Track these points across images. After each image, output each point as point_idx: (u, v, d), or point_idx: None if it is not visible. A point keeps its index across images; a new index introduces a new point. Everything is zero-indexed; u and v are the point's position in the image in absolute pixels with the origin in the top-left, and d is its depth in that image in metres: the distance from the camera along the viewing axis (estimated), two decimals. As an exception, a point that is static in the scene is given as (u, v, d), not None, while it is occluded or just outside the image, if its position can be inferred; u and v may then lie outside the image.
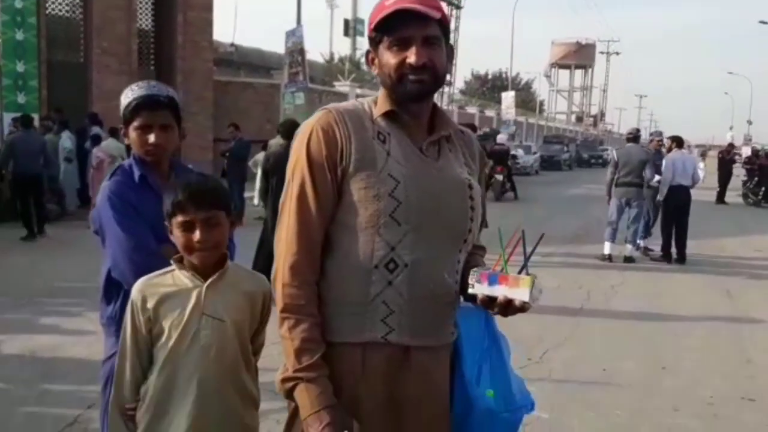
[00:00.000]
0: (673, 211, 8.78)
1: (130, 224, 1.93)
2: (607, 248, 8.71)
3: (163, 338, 1.68)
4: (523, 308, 1.41)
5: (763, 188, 17.46)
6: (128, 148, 2.19)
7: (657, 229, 9.34)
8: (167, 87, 2.08)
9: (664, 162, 8.89)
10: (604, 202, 9.65)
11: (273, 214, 5.40)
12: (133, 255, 1.90)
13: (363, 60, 1.72)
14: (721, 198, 17.81)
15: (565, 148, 33.50)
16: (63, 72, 13.80)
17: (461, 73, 66.96)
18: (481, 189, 1.61)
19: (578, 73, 71.59)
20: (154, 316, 1.68)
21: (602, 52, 70.81)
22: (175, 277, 1.71)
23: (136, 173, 2.01)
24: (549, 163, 30.28)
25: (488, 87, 54.19)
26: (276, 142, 7.45)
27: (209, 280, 1.69)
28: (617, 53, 71.97)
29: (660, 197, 8.98)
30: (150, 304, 1.67)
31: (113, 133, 9.23)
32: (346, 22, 34.34)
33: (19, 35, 12.38)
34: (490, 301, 1.43)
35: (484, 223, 1.68)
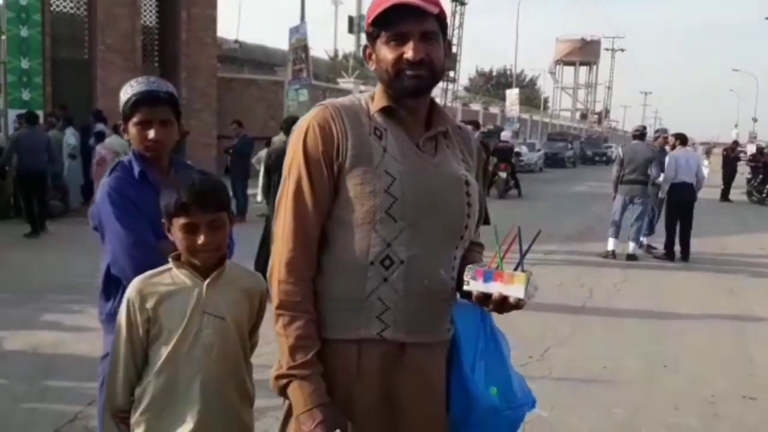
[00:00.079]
0: (676, 209, 8.75)
1: (130, 220, 1.93)
2: (610, 245, 8.70)
3: (162, 338, 1.65)
4: (518, 305, 1.40)
5: (767, 186, 17.39)
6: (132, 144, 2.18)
7: (660, 227, 9.32)
8: (166, 83, 2.07)
9: (667, 159, 8.86)
10: (607, 200, 9.64)
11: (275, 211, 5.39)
12: (133, 251, 1.90)
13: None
14: (725, 196, 17.75)
15: (569, 146, 33.42)
16: (67, 69, 13.84)
17: (465, 70, 66.93)
18: (478, 185, 1.61)
19: (583, 69, 71.37)
20: (154, 316, 1.64)
21: (607, 49, 70.57)
22: (174, 276, 1.67)
23: (136, 169, 2.01)
24: (553, 161, 30.20)
25: (492, 84, 54.09)
26: (279, 138, 7.46)
27: (209, 279, 1.66)
28: (622, 50, 71.71)
29: (661, 194, 8.95)
30: (149, 304, 1.64)
31: (117, 129, 9.22)
32: (351, 18, 34.27)
33: (24, 32, 12.43)
34: (486, 298, 1.43)
35: (482, 220, 1.67)
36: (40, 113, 10.51)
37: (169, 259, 1.69)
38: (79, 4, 14.60)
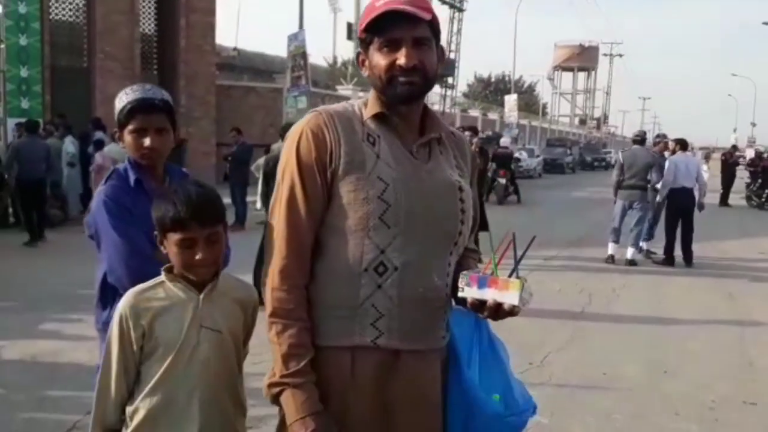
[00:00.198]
0: (676, 214, 8.75)
1: (126, 229, 1.93)
2: (610, 249, 8.70)
3: (158, 355, 1.59)
4: (513, 312, 1.40)
5: (766, 190, 17.40)
6: None
7: (660, 232, 9.32)
8: (161, 90, 2.07)
9: (666, 164, 8.87)
10: (606, 206, 9.65)
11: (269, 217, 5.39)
12: (130, 260, 1.89)
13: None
14: (724, 200, 17.76)
15: (568, 151, 33.47)
16: (66, 77, 13.87)
17: (464, 77, 67.09)
18: (472, 191, 1.60)
19: (581, 75, 71.54)
20: (149, 332, 1.59)
21: (605, 55, 70.76)
22: (168, 290, 1.62)
23: (132, 177, 2.00)
24: (552, 166, 30.25)
25: (491, 90, 54.26)
26: (278, 146, 7.46)
27: (204, 292, 1.62)
28: (620, 55, 71.96)
29: (659, 198, 8.95)
30: (144, 320, 1.58)
31: (116, 137, 9.24)
32: (349, 25, 34.33)
33: (23, 40, 12.46)
34: (480, 304, 1.42)
35: (476, 226, 1.67)
36: (39, 121, 10.53)
37: (162, 272, 1.64)
38: (77, 12, 14.64)
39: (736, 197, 18.13)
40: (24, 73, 12.49)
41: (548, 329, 5.40)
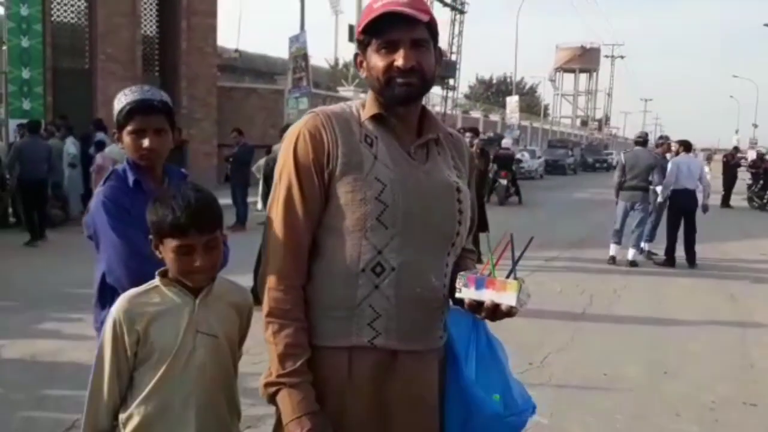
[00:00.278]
0: (678, 215, 8.74)
1: (125, 229, 1.93)
2: (612, 251, 8.71)
3: (153, 360, 1.56)
4: (511, 313, 1.40)
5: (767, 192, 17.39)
6: None
7: (661, 233, 9.31)
8: (160, 91, 2.08)
9: (669, 165, 8.87)
10: (608, 207, 9.65)
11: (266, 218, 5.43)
12: (129, 261, 1.90)
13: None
14: (726, 202, 17.75)
15: (570, 153, 33.44)
16: (68, 78, 13.90)
17: (465, 78, 67.13)
18: (470, 192, 1.61)
19: (583, 77, 71.55)
20: (144, 338, 1.55)
21: (607, 56, 70.79)
22: (162, 294, 1.59)
23: (130, 178, 2.01)
24: (553, 168, 30.23)
25: (493, 91, 54.24)
26: (278, 147, 7.47)
27: (200, 296, 1.59)
28: (622, 57, 71.97)
29: (660, 199, 8.95)
30: (139, 325, 1.55)
31: (117, 138, 9.27)
32: (351, 27, 34.33)
33: (25, 42, 12.49)
34: (478, 305, 1.42)
35: (474, 227, 1.67)
36: (40, 122, 10.56)
37: (156, 276, 1.61)
38: (79, 14, 14.67)
39: (738, 198, 18.12)
40: (26, 74, 12.52)
41: (549, 330, 5.40)
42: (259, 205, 9.23)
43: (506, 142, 18.62)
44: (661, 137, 10.56)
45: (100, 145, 10.17)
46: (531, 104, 53.66)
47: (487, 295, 1.41)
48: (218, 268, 1.67)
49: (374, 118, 1.50)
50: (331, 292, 1.46)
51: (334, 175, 1.44)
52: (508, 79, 50.47)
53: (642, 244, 9.12)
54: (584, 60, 68.99)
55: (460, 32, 28.07)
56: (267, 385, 1.43)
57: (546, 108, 60.31)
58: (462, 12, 27.96)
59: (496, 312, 1.41)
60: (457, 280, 1.46)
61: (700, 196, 8.92)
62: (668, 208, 8.92)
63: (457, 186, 1.55)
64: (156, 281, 1.61)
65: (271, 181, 5.88)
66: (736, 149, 22.29)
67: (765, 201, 17.39)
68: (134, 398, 1.58)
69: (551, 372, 4.45)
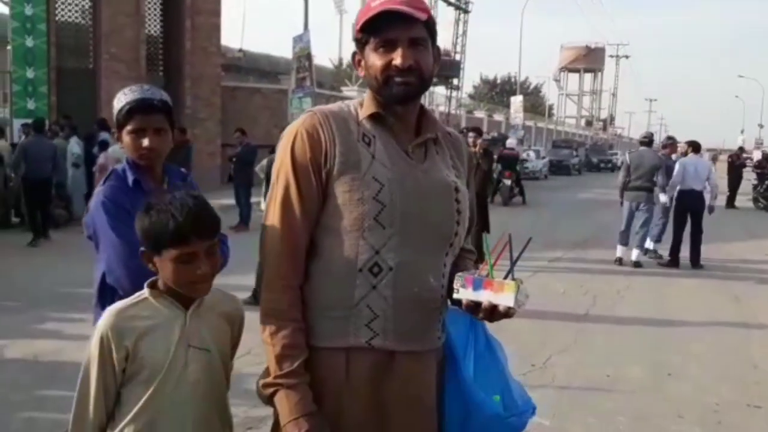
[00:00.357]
0: (684, 215, 8.71)
1: (125, 229, 1.92)
2: (618, 252, 8.69)
3: (142, 377, 1.50)
4: (508, 314, 1.39)
5: (773, 192, 17.32)
6: None
7: (668, 234, 9.27)
8: (160, 90, 2.07)
9: (677, 165, 8.85)
10: (612, 207, 9.62)
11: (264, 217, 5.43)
12: (129, 261, 1.89)
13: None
14: (731, 202, 17.68)
15: (574, 153, 33.35)
16: (72, 78, 13.92)
17: (470, 78, 67.03)
18: (469, 191, 1.60)
19: (587, 77, 71.39)
20: (133, 354, 1.49)
21: (612, 56, 70.67)
22: (152, 307, 1.52)
23: (130, 177, 2.00)
24: (558, 168, 30.17)
25: (497, 91, 54.20)
26: (281, 146, 7.47)
27: (191, 308, 1.53)
28: (627, 57, 71.81)
29: (665, 199, 8.93)
30: (128, 341, 1.48)
31: (121, 138, 9.29)
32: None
33: (29, 42, 12.53)
34: (476, 306, 1.41)
35: (473, 226, 1.65)
36: (45, 120, 10.59)
37: (145, 288, 1.55)
38: (84, 14, 14.70)
39: (743, 199, 18.05)
40: (30, 74, 12.56)
41: (551, 331, 5.38)
42: (263, 206, 9.19)
43: (511, 142, 18.59)
44: (668, 138, 10.53)
45: (104, 145, 10.19)
46: (535, 104, 53.57)
47: (485, 296, 1.39)
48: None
49: (372, 117, 1.49)
50: (328, 293, 1.45)
51: (331, 174, 1.43)
52: (513, 79, 50.38)
53: (650, 244, 9.10)
54: (589, 60, 68.87)
55: (465, 32, 28.03)
56: (264, 386, 1.43)
57: (550, 108, 60.23)
58: (466, 11, 27.93)
59: (493, 313, 1.40)
60: (455, 281, 1.44)
61: (707, 197, 8.88)
62: (674, 208, 8.89)
63: (456, 186, 1.53)
64: (145, 293, 1.54)
65: (273, 182, 5.72)
66: (742, 149, 22.23)
67: (770, 201, 17.31)
68: (123, 416, 1.51)
69: (554, 373, 4.44)
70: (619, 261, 8.61)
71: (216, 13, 16.59)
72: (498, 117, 36.43)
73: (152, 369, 1.49)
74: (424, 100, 21.62)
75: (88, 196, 11.08)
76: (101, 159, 8.12)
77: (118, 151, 9.39)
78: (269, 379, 1.41)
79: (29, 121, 10.18)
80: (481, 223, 7.78)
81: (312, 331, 1.45)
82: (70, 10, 14.48)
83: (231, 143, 12.84)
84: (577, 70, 70.42)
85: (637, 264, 8.54)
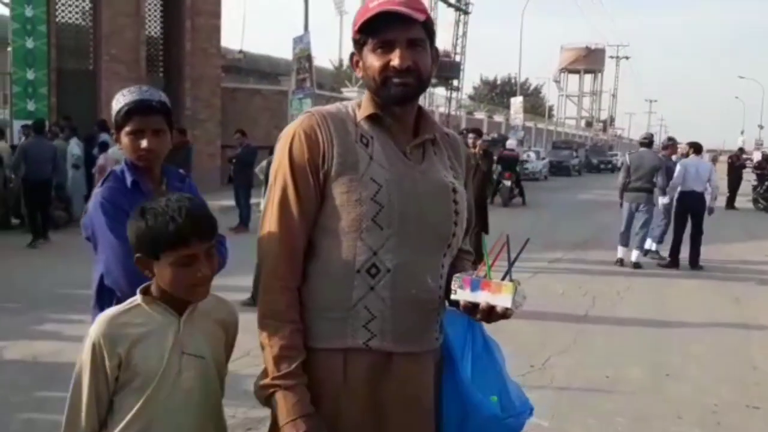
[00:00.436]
0: (684, 217, 8.72)
1: (123, 230, 1.92)
2: (619, 252, 8.71)
3: (135, 384, 1.47)
4: (506, 315, 1.38)
5: (773, 193, 17.32)
6: None
7: (669, 235, 9.28)
8: (159, 92, 2.07)
9: (678, 166, 8.86)
10: (612, 208, 9.62)
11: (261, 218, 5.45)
12: (127, 262, 1.88)
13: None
14: (731, 203, 17.68)
15: (574, 154, 33.37)
16: (73, 79, 13.93)
17: (470, 79, 67.08)
18: (467, 192, 1.60)
19: (588, 78, 71.42)
20: (126, 361, 1.46)
21: (612, 57, 70.69)
22: (145, 313, 1.49)
23: (129, 179, 2.00)
24: (558, 169, 30.19)
25: (497, 92, 54.21)
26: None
27: (185, 314, 1.50)
28: (627, 58, 71.81)
29: (666, 200, 8.94)
30: (121, 348, 1.45)
31: (120, 139, 9.30)
32: (355, 28, 34.37)
33: (30, 43, 12.54)
34: (473, 307, 1.41)
35: (471, 227, 1.65)
36: (45, 121, 10.60)
37: (137, 294, 1.52)
38: (84, 15, 14.71)
39: (743, 200, 18.05)
40: (30, 75, 12.58)
41: (551, 332, 5.37)
42: (262, 206, 9.23)
43: (511, 143, 18.59)
44: (669, 139, 10.54)
45: (104, 146, 10.20)
46: (535, 105, 53.60)
47: (482, 297, 1.39)
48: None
49: (370, 118, 1.49)
50: (326, 294, 1.45)
51: (329, 175, 1.43)
52: (513, 80, 50.40)
53: (651, 245, 9.11)
54: (589, 61, 68.89)
55: (465, 33, 28.03)
56: (262, 387, 1.42)
57: (550, 109, 60.26)
58: (466, 13, 27.93)
59: (491, 314, 1.39)
60: (453, 282, 1.44)
61: (708, 198, 8.89)
62: (675, 209, 8.90)
63: (453, 186, 1.53)
64: (137, 299, 1.51)
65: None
66: (742, 150, 22.22)
67: (770, 202, 17.31)
68: (116, 423, 1.48)
69: (553, 374, 4.43)
70: (620, 262, 8.62)
71: (216, 14, 16.61)
72: (498, 118, 36.44)
73: (146, 376, 1.47)
74: (424, 101, 21.53)
75: (87, 197, 11.11)
76: (101, 160, 8.11)
77: (118, 153, 9.39)
78: (267, 381, 1.41)
79: (29, 122, 10.19)
80: (481, 225, 7.79)
81: (309, 333, 1.45)
82: (70, 12, 14.49)
83: (231, 144, 12.85)
84: (577, 71, 70.44)
85: (636, 265, 8.54)
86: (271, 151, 10.00)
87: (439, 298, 1.51)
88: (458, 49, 27.77)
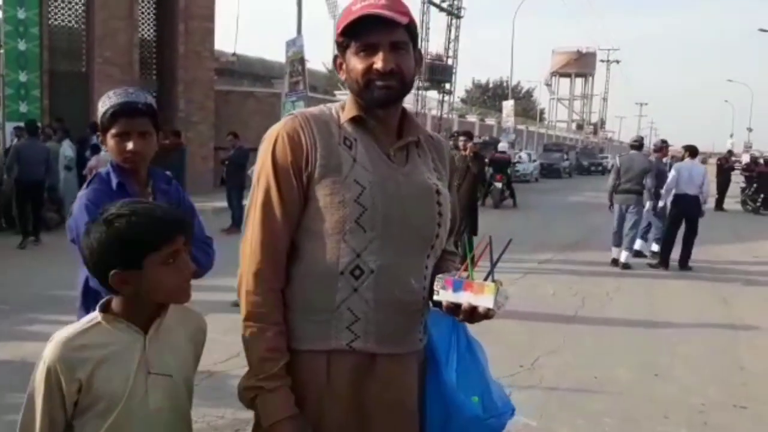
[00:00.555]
0: (677, 219, 8.78)
1: None
2: (613, 253, 8.77)
3: (98, 409, 1.37)
4: (488, 315, 1.39)
5: (761, 195, 17.46)
6: None
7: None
8: (145, 94, 2.08)
9: (672, 171, 8.94)
10: (603, 210, 9.68)
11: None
12: None
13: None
14: (719, 205, 17.80)
15: (565, 156, 33.53)
16: (65, 82, 13.89)
17: (462, 82, 67.17)
18: (451, 195, 1.61)
19: (579, 81, 71.69)
20: (87, 386, 1.35)
21: (603, 61, 70.90)
22: (107, 333, 1.38)
23: (114, 181, 2.01)
24: (549, 171, 30.31)
25: (489, 95, 54.32)
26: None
27: (151, 331, 1.41)
28: (617, 61, 72.02)
29: (661, 203, 9.01)
30: (82, 373, 1.34)
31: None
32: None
33: (22, 45, 12.50)
34: (456, 307, 1.42)
35: (455, 229, 1.67)
36: (37, 123, 10.56)
37: (97, 312, 1.41)
38: (77, 17, 14.67)
39: (732, 202, 18.17)
40: (23, 77, 12.53)
41: (540, 332, 5.40)
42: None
43: (503, 146, 18.64)
44: (662, 141, 10.62)
45: (96, 149, 10.17)
46: (527, 108, 53.76)
47: (465, 298, 1.40)
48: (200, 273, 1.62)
49: (354, 120, 1.50)
50: (309, 295, 1.46)
51: (312, 177, 1.44)
52: (505, 84, 50.48)
53: (654, 246, 9.20)
54: (580, 64, 69.16)
55: (457, 37, 28.04)
56: (246, 389, 1.43)
57: (542, 112, 60.49)
58: (458, 17, 27.93)
59: (473, 314, 1.40)
60: (435, 283, 1.45)
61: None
62: (669, 212, 8.98)
63: (437, 188, 1.54)
64: (97, 317, 1.40)
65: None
66: (731, 153, 22.40)
67: (758, 204, 17.45)
68: None
69: (542, 374, 4.46)
70: (615, 262, 8.68)
71: (209, 17, 16.59)
72: (490, 121, 36.50)
73: (109, 401, 1.37)
74: (416, 104, 21.46)
75: (79, 199, 11.11)
76: (92, 162, 8.12)
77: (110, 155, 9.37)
78: (251, 382, 1.41)
79: (21, 124, 10.16)
80: (470, 227, 7.82)
81: (293, 334, 1.45)
82: (63, 14, 14.45)
83: (224, 147, 12.84)
84: (568, 75, 70.69)
85: (626, 266, 8.59)
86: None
87: (423, 299, 1.52)
88: (450, 53, 27.79)
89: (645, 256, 9.22)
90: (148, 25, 16.01)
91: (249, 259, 1.45)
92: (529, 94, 60.34)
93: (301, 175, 1.44)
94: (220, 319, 4.69)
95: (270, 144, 1.47)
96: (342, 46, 1.50)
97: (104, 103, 2.00)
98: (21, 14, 12.43)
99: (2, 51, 12.43)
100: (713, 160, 26.51)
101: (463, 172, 8.11)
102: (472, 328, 1.53)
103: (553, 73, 70.34)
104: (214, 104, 16.66)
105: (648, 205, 8.96)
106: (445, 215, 1.56)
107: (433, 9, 26.08)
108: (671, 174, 8.84)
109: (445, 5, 26.81)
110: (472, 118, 34.65)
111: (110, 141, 2.00)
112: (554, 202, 18.35)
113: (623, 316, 6.19)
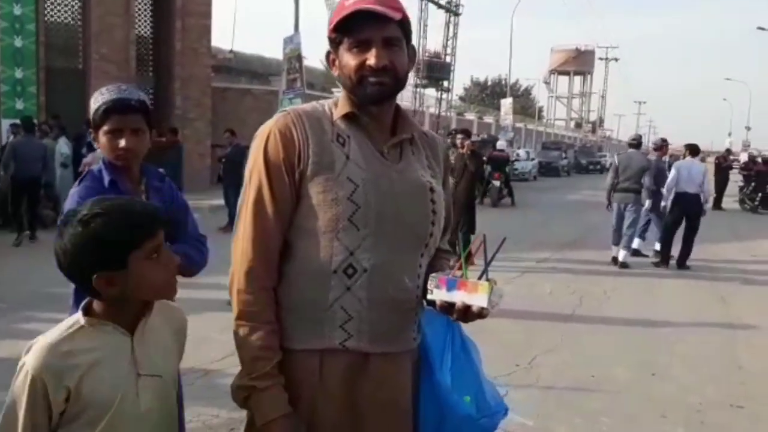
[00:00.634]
0: (678, 218, 8.78)
1: None
2: (614, 251, 8.78)
3: (87, 417, 1.32)
4: (482, 314, 1.38)
5: (759, 194, 17.48)
6: None
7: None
8: (138, 90, 2.06)
9: (672, 170, 8.94)
10: (601, 209, 9.68)
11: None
12: None
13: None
14: (717, 204, 17.80)
15: (564, 155, 33.51)
16: (62, 78, 13.83)
17: (460, 80, 67.12)
18: (445, 192, 1.59)
19: (577, 79, 71.71)
20: (76, 393, 1.30)
21: (601, 59, 70.96)
22: (92, 337, 1.33)
23: (106, 178, 1.99)
24: (547, 169, 30.30)
25: (487, 93, 54.36)
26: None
27: (136, 332, 1.37)
28: (616, 60, 72.08)
29: (664, 203, 9.01)
30: (69, 381, 1.29)
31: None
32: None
33: (18, 42, 12.46)
34: (450, 306, 1.40)
35: (449, 227, 1.65)
36: (33, 119, 10.54)
37: (79, 314, 1.36)
38: (73, 14, 14.62)
39: (730, 201, 18.18)
40: (19, 74, 12.50)
41: (537, 331, 5.39)
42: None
43: (501, 144, 18.63)
44: (662, 140, 10.62)
45: (92, 146, 10.14)
46: (525, 106, 53.78)
47: (458, 297, 1.39)
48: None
49: (347, 117, 1.48)
50: (302, 294, 1.44)
51: (305, 174, 1.42)
52: (503, 82, 50.50)
53: (656, 246, 9.20)
54: (579, 62, 69.17)
55: (455, 34, 27.99)
56: (239, 388, 1.41)
57: (540, 110, 60.50)
58: (457, 14, 27.89)
59: (467, 313, 1.39)
60: (429, 282, 1.44)
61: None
62: (670, 210, 8.98)
63: (431, 186, 1.53)
64: (80, 321, 1.34)
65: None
66: (729, 152, 22.39)
67: (756, 203, 17.47)
68: None
69: (539, 373, 4.44)
70: (614, 260, 8.68)
71: (206, 14, 16.54)
72: (488, 119, 36.50)
73: (100, 407, 1.32)
74: (415, 102, 21.43)
75: (75, 196, 11.08)
76: (88, 158, 8.09)
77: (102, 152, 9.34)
78: (243, 382, 1.40)
79: (17, 121, 10.12)
80: (467, 225, 7.80)
81: (286, 333, 1.44)
82: (59, 10, 14.39)
83: (221, 144, 12.80)
84: (566, 73, 70.71)
85: (623, 265, 8.59)
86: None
87: (417, 297, 1.50)
88: (448, 51, 27.75)
89: (644, 256, 9.20)
90: (145, 21, 15.96)
91: (240, 257, 1.43)
92: (527, 92, 60.41)
93: (293, 173, 1.42)
94: (216, 318, 4.68)
95: (262, 141, 1.45)
96: (335, 42, 1.48)
97: (96, 100, 1.98)
98: (17, 10, 12.38)
99: (-2, 48, 12.39)
100: (711, 159, 26.55)
101: (460, 171, 8.10)
102: (470, 326, 1.51)
103: (552, 71, 70.36)
104: (211, 101, 16.62)
105: (647, 203, 8.96)
106: (439, 213, 1.54)
107: (431, 6, 26.03)
108: (671, 173, 8.84)
109: (443, 2, 26.77)
110: (470, 116, 34.65)
111: (102, 138, 1.98)
112: (552, 201, 18.34)
113: (621, 315, 6.18)
